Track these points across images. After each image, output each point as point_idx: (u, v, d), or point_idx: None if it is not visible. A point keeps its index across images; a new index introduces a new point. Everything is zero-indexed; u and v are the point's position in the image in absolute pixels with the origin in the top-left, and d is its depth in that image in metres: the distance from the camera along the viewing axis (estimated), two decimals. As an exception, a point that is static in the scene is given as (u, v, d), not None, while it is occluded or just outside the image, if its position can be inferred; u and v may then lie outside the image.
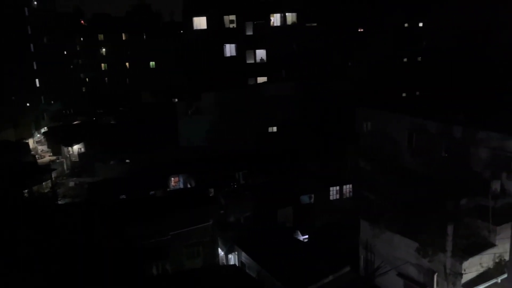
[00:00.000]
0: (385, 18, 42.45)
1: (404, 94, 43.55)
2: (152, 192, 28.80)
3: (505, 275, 15.51)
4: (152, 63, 64.60)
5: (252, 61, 42.47)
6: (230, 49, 42.08)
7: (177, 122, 36.08)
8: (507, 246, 14.81)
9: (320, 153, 30.37)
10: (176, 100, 43.02)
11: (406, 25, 44.99)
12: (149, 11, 64.86)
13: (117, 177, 31.13)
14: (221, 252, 22.60)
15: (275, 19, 42.50)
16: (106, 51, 64.73)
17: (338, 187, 28.47)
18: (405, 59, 45.37)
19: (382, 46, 42.15)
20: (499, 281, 15.47)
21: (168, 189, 30.12)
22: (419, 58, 45.61)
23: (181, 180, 31.37)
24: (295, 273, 17.38)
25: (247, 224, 24.25)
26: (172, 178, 31.30)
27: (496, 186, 17.53)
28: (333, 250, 20.77)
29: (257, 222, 24.03)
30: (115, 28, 63.88)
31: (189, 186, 30.81)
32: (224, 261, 22.54)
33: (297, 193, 27.15)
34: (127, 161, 35.11)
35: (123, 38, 64.67)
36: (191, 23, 41.89)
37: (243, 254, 20.46)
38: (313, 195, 27.82)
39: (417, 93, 43.51)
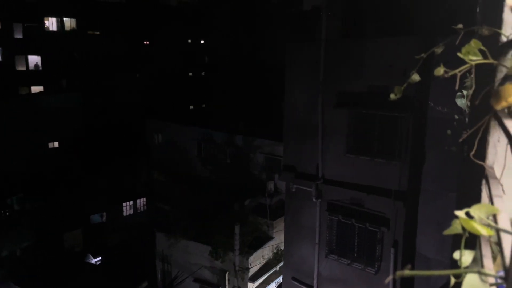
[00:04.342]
0: (169, 32, 43.81)
1: (191, 107, 45.80)
2: None
3: (282, 263, 18.03)
4: None
5: (24, 68, 37.13)
6: (-7, 53, 35.72)
7: None
8: (282, 237, 17.28)
9: (110, 167, 28.89)
10: None
11: (189, 41, 47.56)
12: None
13: None
14: (-9, 296, 18.79)
15: (51, 23, 38.36)
16: None
17: (131, 202, 27.68)
18: (190, 73, 47.85)
19: (168, 59, 43.38)
20: (278, 269, 17.83)
21: None
22: (203, 73, 48.89)
23: None
24: (88, 301, 15.96)
25: (25, 256, 20.93)
26: None
27: (270, 186, 20.20)
28: (130, 268, 20.02)
29: (39, 252, 21.05)
30: None
31: None
32: (-4, 305, 18.82)
33: (86, 213, 25.07)
34: None
35: None
36: None
37: (22, 292, 17.57)
38: (105, 213, 26.22)
39: (203, 105, 46.44)
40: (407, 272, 0.75)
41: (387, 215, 9.79)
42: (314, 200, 10.92)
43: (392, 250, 9.66)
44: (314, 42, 10.56)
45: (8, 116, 30.30)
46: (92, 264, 22.37)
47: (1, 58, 35.83)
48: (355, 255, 10.62)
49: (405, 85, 1.77)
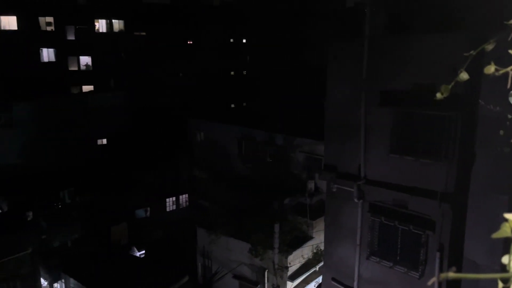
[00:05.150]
0: (212, 32, 44.48)
1: (232, 105, 46.28)
2: None
3: (322, 263, 17.86)
4: None
5: (76, 68, 39.03)
6: (48, 54, 37.78)
7: (-20, 137, 30.46)
8: (323, 237, 17.17)
9: (155, 164, 29.78)
10: (-21, 110, 36.30)
11: (231, 40, 48.06)
12: None
13: None
14: (44, 283, 19.95)
15: (101, 25, 40.08)
16: None
17: (174, 198, 28.39)
18: (232, 72, 48.34)
19: (211, 58, 44.07)
20: (317, 269, 17.67)
21: (-30, 217, 25.10)
22: (244, 72, 49.24)
23: (-11, 205, 26.53)
24: (132, 292, 16.56)
25: (75, 247, 22.02)
26: (-24, 204, 26.21)
27: (311, 185, 20.04)
28: (172, 262, 20.56)
29: (88, 244, 22.08)
30: None
31: (0, 210, 26.29)
32: (49, 292, 19.96)
33: (131, 208, 26.00)
34: None
35: None
36: (-4, 21, 36.09)
37: (72, 280, 18.51)
38: (149, 208, 27.07)
39: (244, 104, 46.79)
40: (451, 274, 0.74)
41: (432, 218, 9.44)
42: (355, 200, 10.74)
43: (438, 254, 9.31)
44: (357, 39, 10.36)
45: (61, 114, 31.99)
46: (137, 257, 23.19)
47: (55, 58, 37.86)
48: (398, 258, 10.33)
49: (452, 83, 1.71)
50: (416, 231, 9.74)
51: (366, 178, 10.63)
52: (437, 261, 9.31)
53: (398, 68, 9.70)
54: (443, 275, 0.76)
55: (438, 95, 1.78)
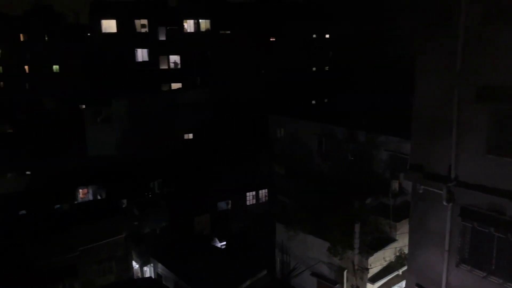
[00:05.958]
0: (294, 28, 44.42)
1: (313, 101, 45.84)
2: (57, 206, 26.63)
3: (405, 267, 16.99)
4: (56, 67, 59.62)
5: (166, 67, 41.60)
6: (142, 54, 40.77)
7: (85, 130, 33.88)
8: (406, 240, 16.28)
9: (236, 159, 30.66)
10: (84, 107, 40.45)
11: (314, 36, 47.55)
12: (51, 10, 59.77)
13: (16, 191, 28.25)
14: (135, 265, 21.65)
15: (189, 25, 42.18)
16: (1, 53, 58.38)
17: (254, 192, 28.98)
18: (314, 68, 47.85)
19: (293, 55, 44.06)
20: (400, 273, 16.85)
21: (76, 202, 28.10)
22: (327, 68, 48.44)
23: (90, 191, 29.47)
24: (213, 281, 17.27)
25: (163, 235, 23.54)
26: (80, 190, 29.25)
27: (395, 185, 19.10)
28: (251, 255, 21.04)
29: (174, 232, 23.47)
30: (11, 27, 57.86)
31: (99, 197, 29.06)
32: (139, 274, 21.61)
33: (214, 200, 27.07)
34: (28, 173, 32.05)
35: (21, 39, 58.88)
36: (99, 25, 39.80)
37: (159, 265, 19.85)
38: (230, 201, 27.96)
39: (326, 100, 46.08)
40: None
41: (535, 227, 8.49)
42: (444, 203, 10.03)
43: (541, 267, 8.36)
44: (451, 29, 9.62)
45: (153, 109, 34.32)
46: (218, 247, 24.10)
47: (148, 58, 40.71)
48: (493, 267, 9.47)
49: None
50: (515, 240, 8.84)
51: (457, 180, 9.88)
52: (541, 275, 8.37)
53: (498, 60, 8.84)
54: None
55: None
